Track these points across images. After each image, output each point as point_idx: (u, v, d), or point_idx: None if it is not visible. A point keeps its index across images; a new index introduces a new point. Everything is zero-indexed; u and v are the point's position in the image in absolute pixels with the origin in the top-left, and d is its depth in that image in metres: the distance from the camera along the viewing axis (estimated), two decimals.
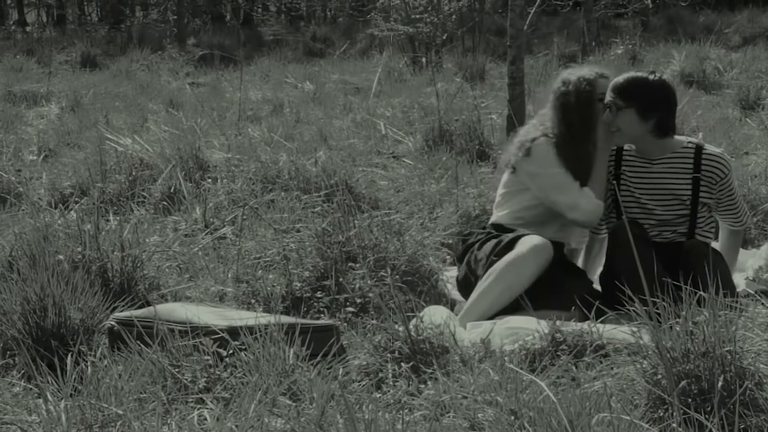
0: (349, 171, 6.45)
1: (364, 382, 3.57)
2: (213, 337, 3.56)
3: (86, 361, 3.47)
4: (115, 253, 4.47)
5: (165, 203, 6.15)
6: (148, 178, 6.55)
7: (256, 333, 3.51)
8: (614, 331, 3.70)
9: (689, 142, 4.52)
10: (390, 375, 3.61)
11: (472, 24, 16.77)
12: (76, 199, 6.20)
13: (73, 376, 3.37)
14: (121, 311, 4.02)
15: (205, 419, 3.20)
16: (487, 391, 3.29)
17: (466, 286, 4.54)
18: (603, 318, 3.80)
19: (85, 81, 13.86)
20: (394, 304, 3.95)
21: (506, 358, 3.62)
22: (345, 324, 4.20)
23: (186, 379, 3.42)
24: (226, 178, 6.42)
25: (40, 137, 8.76)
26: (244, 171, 6.45)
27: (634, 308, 3.29)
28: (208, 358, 3.49)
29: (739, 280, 4.61)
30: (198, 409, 3.27)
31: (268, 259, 4.82)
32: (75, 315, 3.90)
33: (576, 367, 3.50)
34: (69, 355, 3.52)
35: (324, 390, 3.25)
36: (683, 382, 3.08)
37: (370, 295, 4.40)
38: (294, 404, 3.25)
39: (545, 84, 10.91)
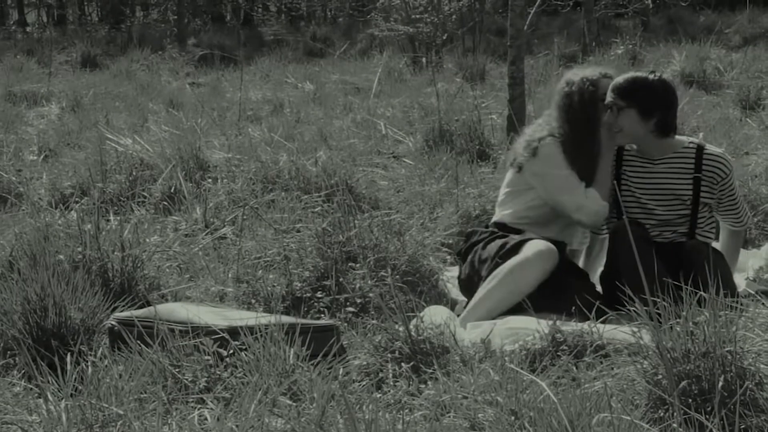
0: (350, 171, 6.45)
1: (364, 382, 3.57)
2: (213, 337, 3.56)
3: (87, 361, 3.47)
4: (115, 253, 4.47)
5: (165, 203, 6.15)
6: (148, 178, 6.55)
7: (256, 333, 3.51)
8: (615, 332, 3.70)
9: (690, 142, 4.52)
10: (390, 375, 3.61)
11: (472, 24, 16.78)
12: (77, 199, 6.20)
13: (74, 376, 3.37)
14: (122, 311, 4.02)
15: (206, 419, 3.20)
16: (487, 391, 3.29)
17: (468, 285, 4.53)
18: (603, 318, 3.80)
19: (85, 81, 13.86)
20: (394, 304, 3.95)
21: (506, 358, 3.62)
22: (345, 324, 4.20)
23: (186, 379, 3.42)
24: (227, 178, 6.42)
25: (41, 137, 8.76)
26: (244, 171, 6.45)
27: (634, 308, 3.29)
28: (209, 358, 3.49)
29: (740, 280, 4.61)
30: (198, 409, 3.27)
31: (268, 259, 4.82)
32: (75, 315, 3.90)
33: (576, 368, 3.50)
34: (69, 355, 3.52)
35: (324, 390, 3.25)
36: (684, 383, 3.08)
37: (371, 295, 4.40)
38: (294, 404, 3.25)
39: (545, 84, 10.94)
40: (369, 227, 4.76)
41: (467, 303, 4.48)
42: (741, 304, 3.51)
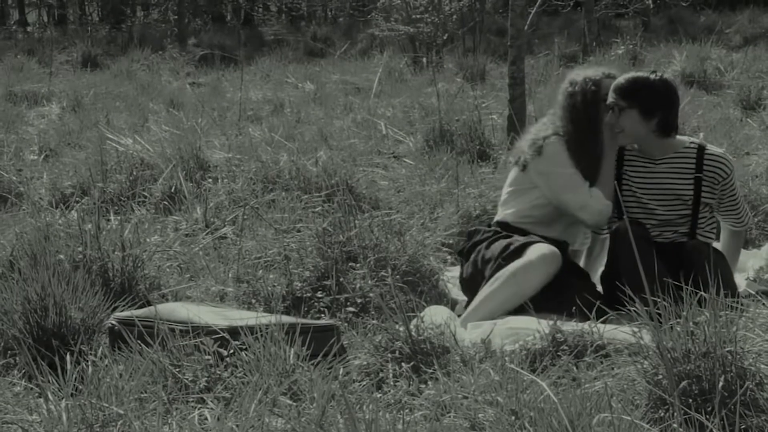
0: (350, 171, 6.45)
1: (364, 382, 3.57)
2: (214, 336, 3.56)
3: (87, 361, 3.47)
4: (115, 252, 4.47)
5: (166, 203, 6.15)
6: (148, 178, 6.55)
7: (256, 333, 3.51)
8: (615, 332, 3.70)
9: (691, 142, 4.52)
10: (390, 375, 3.61)
11: (472, 24, 16.78)
12: (77, 198, 6.20)
13: (74, 376, 3.37)
14: (122, 311, 4.02)
15: (206, 419, 3.20)
16: (487, 391, 3.29)
17: (471, 285, 4.53)
18: (604, 318, 3.80)
19: (86, 81, 13.87)
20: (394, 304, 3.95)
21: (507, 359, 3.62)
22: (345, 324, 4.20)
23: (187, 379, 3.42)
24: (227, 177, 6.43)
25: (41, 137, 8.77)
26: (244, 171, 6.45)
27: (635, 308, 3.29)
28: (209, 357, 3.49)
29: (740, 280, 4.61)
30: (199, 409, 3.27)
31: (268, 259, 4.82)
32: (76, 314, 3.90)
33: (577, 368, 3.50)
34: (70, 355, 3.52)
35: (324, 390, 3.25)
36: (684, 383, 3.08)
37: (371, 295, 4.40)
38: (294, 404, 3.25)
39: (546, 84, 10.94)
40: (369, 227, 4.76)
41: (468, 303, 4.48)
42: (741, 305, 3.51)
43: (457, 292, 4.72)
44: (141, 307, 4.13)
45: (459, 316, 4.37)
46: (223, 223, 5.63)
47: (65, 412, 3.13)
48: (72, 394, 3.27)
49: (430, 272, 4.75)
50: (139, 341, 3.57)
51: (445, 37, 15.08)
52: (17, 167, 7.34)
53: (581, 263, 4.71)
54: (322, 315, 4.32)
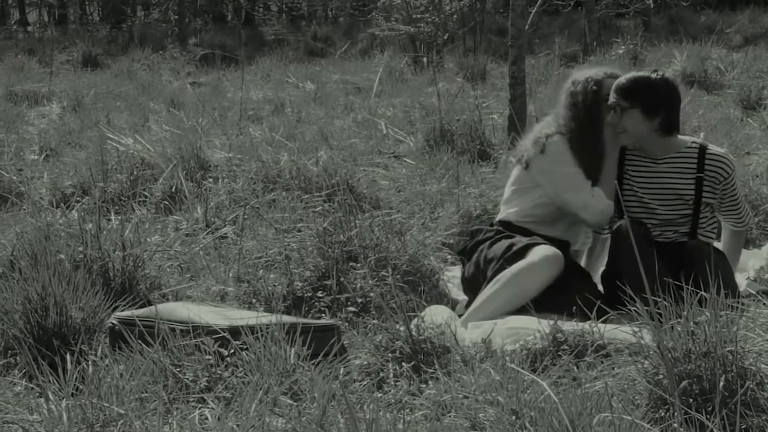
0: (351, 171, 6.45)
1: (365, 382, 3.57)
2: (214, 336, 3.56)
3: (87, 361, 3.47)
4: (116, 252, 4.47)
5: (166, 203, 6.15)
6: (149, 178, 6.55)
7: (257, 332, 3.51)
8: (615, 331, 3.70)
9: (693, 142, 4.52)
10: (391, 375, 3.61)
11: (473, 24, 16.78)
12: (78, 198, 6.20)
13: (75, 376, 3.37)
14: (123, 310, 4.02)
15: (207, 419, 3.20)
16: (488, 391, 3.29)
17: (473, 284, 4.52)
18: (604, 318, 3.80)
19: (86, 81, 13.87)
20: (395, 304, 3.95)
21: (507, 358, 3.62)
22: (346, 324, 4.20)
23: (187, 379, 3.42)
24: (228, 177, 6.42)
25: (42, 137, 8.77)
26: (245, 170, 6.45)
27: (635, 308, 3.29)
28: (210, 357, 3.49)
29: (741, 280, 4.61)
30: (199, 409, 3.27)
31: (269, 258, 4.82)
32: (76, 314, 3.90)
33: (577, 367, 3.50)
34: (70, 355, 3.52)
35: (325, 390, 3.25)
36: (684, 382, 3.08)
37: (371, 294, 4.40)
38: (295, 404, 3.25)
39: (546, 84, 10.94)
40: (370, 227, 4.76)
41: (469, 302, 4.48)
42: (742, 304, 3.50)
43: (457, 292, 4.72)
44: (141, 306, 4.13)
45: (459, 315, 4.37)
46: (223, 223, 5.63)
47: (66, 411, 3.13)
48: (72, 394, 3.27)
49: (431, 272, 4.75)
50: (139, 341, 3.57)
51: (445, 37, 15.08)
52: (18, 167, 7.34)
53: (582, 263, 4.71)
54: (323, 315, 4.32)
